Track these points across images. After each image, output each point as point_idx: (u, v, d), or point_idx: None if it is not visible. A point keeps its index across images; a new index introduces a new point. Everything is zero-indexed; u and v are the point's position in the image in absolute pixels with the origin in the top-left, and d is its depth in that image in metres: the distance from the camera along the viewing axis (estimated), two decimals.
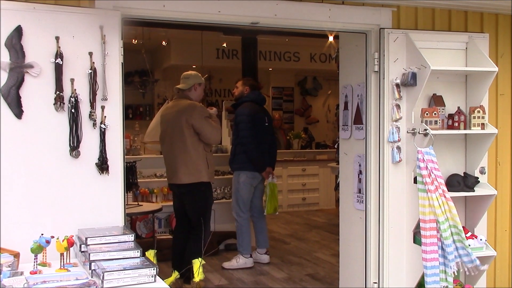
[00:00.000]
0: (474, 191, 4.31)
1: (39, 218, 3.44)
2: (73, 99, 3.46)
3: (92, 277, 2.87)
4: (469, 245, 4.09)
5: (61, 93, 3.44)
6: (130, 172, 6.29)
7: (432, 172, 3.93)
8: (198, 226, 5.28)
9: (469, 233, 4.34)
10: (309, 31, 5.36)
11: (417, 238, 4.28)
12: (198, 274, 3.57)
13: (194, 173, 5.27)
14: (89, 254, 2.94)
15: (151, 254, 3.23)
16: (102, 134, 3.56)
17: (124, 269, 2.78)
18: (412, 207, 4.32)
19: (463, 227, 4.29)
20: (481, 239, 4.32)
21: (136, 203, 6.77)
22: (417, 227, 4.16)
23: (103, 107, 3.56)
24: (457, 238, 3.95)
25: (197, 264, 3.32)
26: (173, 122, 5.35)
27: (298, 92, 13.61)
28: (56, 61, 3.43)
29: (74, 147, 3.49)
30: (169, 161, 5.44)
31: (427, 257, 3.94)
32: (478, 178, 4.37)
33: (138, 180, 6.69)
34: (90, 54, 3.53)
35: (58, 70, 3.44)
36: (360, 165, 4.61)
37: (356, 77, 4.65)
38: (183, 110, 5.31)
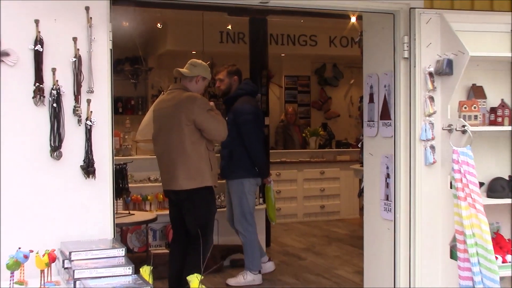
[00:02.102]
0: None
1: (15, 230, 3.48)
2: (54, 92, 3.50)
3: None
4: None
5: (41, 85, 3.48)
6: (120, 175, 6.31)
7: (465, 177, 3.91)
8: (198, 238, 5.29)
9: None
10: (328, 11, 5.36)
11: (454, 252, 4.28)
12: None
13: (196, 177, 5.28)
14: (74, 271, 2.97)
15: (146, 271, 3.25)
16: (88, 132, 3.59)
17: None
18: (448, 216, 4.31)
19: (508, 240, 4.29)
20: None
21: (127, 211, 6.80)
22: (454, 239, 4.16)
23: (89, 101, 3.59)
24: (484, 262, 3.84)
25: (195, 281, 3.33)
26: (169, 118, 5.36)
27: (316, 81, 13.58)
28: (36, 48, 3.46)
29: (56, 147, 3.52)
30: (164, 164, 5.45)
31: (461, 274, 3.94)
32: None
33: (129, 185, 6.72)
34: (74, 39, 3.56)
35: (38, 58, 3.48)
36: (387, 168, 4.62)
37: (382, 64, 4.65)
38: (181, 103, 5.32)
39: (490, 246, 3.85)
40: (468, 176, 3.92)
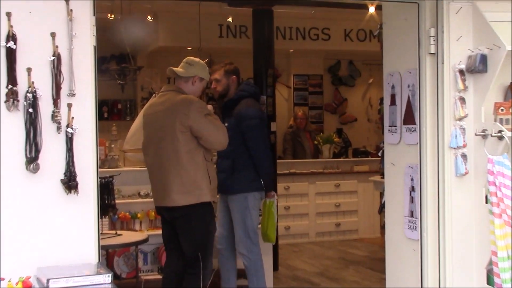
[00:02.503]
0: None
1: None
2: (30, 95, 3.49)
3: None
4: None
5: (14, 87, 3.47)
6: (105, 190, 6.30)
7: (500, 190, 3.87)
8: (196, 262, 5.28)
9: None
10: (343, 0, 5.36)
11: (491, 277, 4.24)
12: None
13: (193, 192, 5.27)
14: None
15: None
16: (69, 140, 3.58)
17: None
18: (483, 236, 4.29)
19: None
20: None
21: (114, 232, 6.79)
22: (491, 262, 4.13)
23: (69, 105, 3.58)
24: None
25: None
26: (161, 124, 5.35)
27: (329, 81, 13.61)
28: (8, 45, 3.45)
29: (32, 158, 3.51)
30: (156, 177, 5.44)
31: None
32: None
33: (116, 201, 6.71)
34: (53, 35, 3.55)
35: (11, 56, 3.46)
36: (412, 180, 4.60)
37: (405, 61, 4.64)
38: (175, 107, 5.32)
39: None
40: (503, 190, 3.88)
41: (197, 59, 5.64)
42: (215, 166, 6.17)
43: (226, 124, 6.03)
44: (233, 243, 6.48)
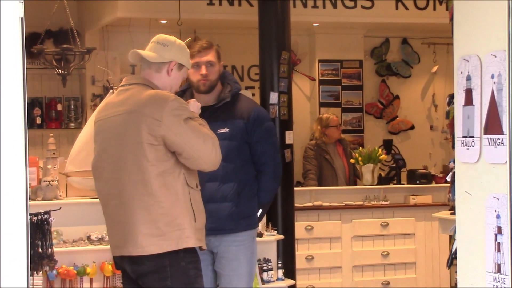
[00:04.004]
0: None
1: None
2: None
3: None
4: None
5: None
6: (38, 232, 6.32)
7: None
8: None
9: None
10: None
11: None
12: None
13: (169, 233, 5.26)
14: None
15: None
16: None
17: None
18: None
19: None
20: None
21: None
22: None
23: None
24: None
25: None
26: (120, 134, 5.36)
27: (372, 70, 13.66)
28: None
29: None
30: (113, 213, 5.44)
31: None
32: None
33: (55, 249, 6.72)
34: None
35: None
36: (499, 216, 4.59)
37: (488, 40, 4.63)
38: (141, 109, 5.30)
39: None
40: None
41: (173, 38, 5.65)
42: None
43: (227, 130, 6.21)
44: None
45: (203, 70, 6.27)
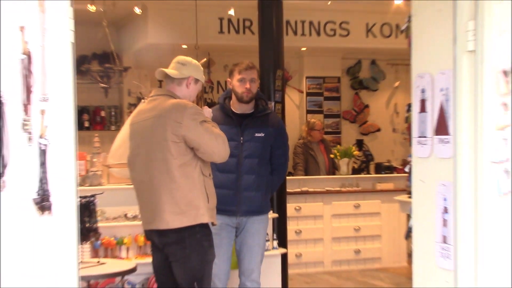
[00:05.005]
0: None
1: None
2: None
3: None
4: None
5: None
6: (86, 212, 6.31)
7: None
8: None
9: None
10: None
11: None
12: None
13: (187, 211, 5.27)
14: None
15: None
16: (42, 153, 3.57)
17: None
18: None
19: None
20: None
21: (96, 260, 6.79)
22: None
23: (43, 112, 3.56)
24: None
25: None
26: (150, 133, 5.35)
27: (348, 84, 13.63)
28: None
29: None
30: (144, 196, 5.43)
31: None
32: None
33: (99, 225, 6.71)
34: (22, 29, 3.54)
35: None
36: (445, 199, 4.58)
37: (438, 60, 4.63)
38: (166, 113, 5.31)
39: None
40: None
41: (189, 58, 5.65)
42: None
43: (262, 135, 6.33)
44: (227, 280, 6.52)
45: (248, 85, 6.33)
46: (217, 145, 5.30)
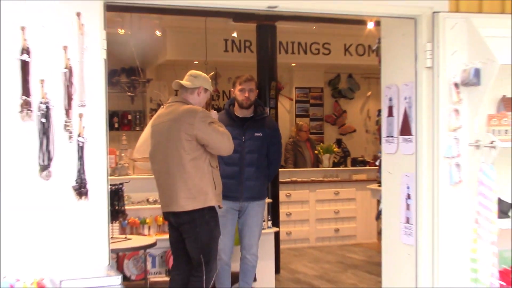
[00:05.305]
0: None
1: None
2: (43, 106, 3.48)
3: None
4: None
5: (28, 98, 3.46)
6: (115, 197, 6.31)
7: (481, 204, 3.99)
8: (200, 266, 5.28)
9: None
10: (343, 16, 5.36)
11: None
12: None
13: (198, 197, 5.27)
14: None
15: None
16: (80, 149, 3.57)
17: None
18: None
19: None
20: None
21: (124, 236, 6.78)
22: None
23: (81, 115, 3.57)
24: None
25: None
26: (167, 133, 5.35)
27: (329, 94, 13.60)
28: (22, 58, 3.45)
29: (45, 166, 3.50)
30: (163, 184, 5.43)
31: None
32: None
33: (126, 207, 6.70)
34: (65, 48, 3.54)
35: (25, 69, 3.46)
36: (408, 188, 4.58)
37: (403, 75, 4.63)
38: (180, 117, 5.32)
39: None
40: (479, 197, 4.00)
41: (199, 72, 5.67)
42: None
43: (260, 134, 6.33)
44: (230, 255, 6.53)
45: (247, 94, 6.36)
46: (223, 141, 5.31)
